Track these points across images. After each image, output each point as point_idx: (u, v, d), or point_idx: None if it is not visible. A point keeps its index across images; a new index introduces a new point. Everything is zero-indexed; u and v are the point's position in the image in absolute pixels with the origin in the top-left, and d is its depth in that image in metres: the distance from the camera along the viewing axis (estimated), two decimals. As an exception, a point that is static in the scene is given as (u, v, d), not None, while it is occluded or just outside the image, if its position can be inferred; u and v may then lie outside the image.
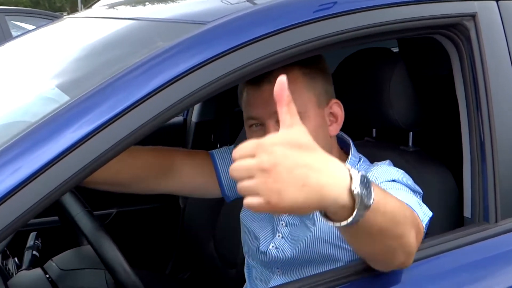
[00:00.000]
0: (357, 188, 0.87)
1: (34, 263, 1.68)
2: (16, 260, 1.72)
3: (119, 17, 1.57)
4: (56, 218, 1.94)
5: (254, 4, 1.19)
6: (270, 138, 0.84)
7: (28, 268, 1.65)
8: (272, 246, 1.40)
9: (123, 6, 1.71)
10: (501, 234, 1.32)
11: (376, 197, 0.91)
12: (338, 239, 1.28)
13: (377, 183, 1.24)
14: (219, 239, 2.08)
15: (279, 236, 1.40)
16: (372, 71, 1.52)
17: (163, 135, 2.00)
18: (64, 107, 1.03)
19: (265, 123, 1.28)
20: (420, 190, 1.29)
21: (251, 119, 1.31)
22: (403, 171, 1.30)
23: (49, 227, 2.06)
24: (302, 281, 1.20)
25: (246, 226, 1.50)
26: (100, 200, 2.12)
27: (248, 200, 0.83)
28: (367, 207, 0.89)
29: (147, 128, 1.02)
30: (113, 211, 2.35)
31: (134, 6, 1.66)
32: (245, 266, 1.57)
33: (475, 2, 1.32)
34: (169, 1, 1.70)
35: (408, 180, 1.28)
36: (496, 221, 1.33)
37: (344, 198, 0.87)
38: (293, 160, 0.83)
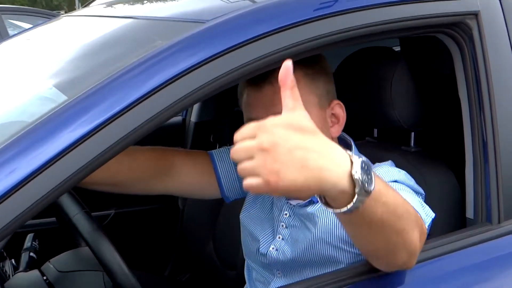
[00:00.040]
0: (357, 173, 0.87)
1: (31, 265, 1.68)
2: (13, 261, 1.72)
3: (117, 15, 1.57)
4: (53, 219, 1.94)
5: (254, 2, 1.19)
6: (271, 120, 0.85)
7: (25, 270, 1.65)
8: (272, 248, 1.40)
9: (121, 5, 1.71)
10: (504, 235, 1.32)
11: (377, 186, 0.91)
12: (339, 241, 1.27)
13: None
14: (218, 240, 2.08)
15: (279, 237, 1.40)
16: (374, 70, 1.52)
17: (162, 135, 1.99)
18: (62, 107, 1.03)
19: None
20: (422, 191, 1.29)
21: (251, 120, 1.30)
22: (405, 172, 1.30)
23: (46, 228, 2.06)
24: (303, 283, 1.20)
25: (246, 228, 1.50)
26: (98, 201, 2.12)
27: (247, 181, 0.84)
28: (367, 193, 0.89)
29: (146, 128, 1.02)
30: (111, 212, 2.34)
31: (132, 4, 1.66)
32: (245, 267, 1.57)
33: (478, 0, 1.32)
34: (167, 0, 1.70)
35: (410, 181, 1.28)
36: (499, 222, 1.33)
37: (344, 182, 0.87)
38: (293, 142, 0.83)
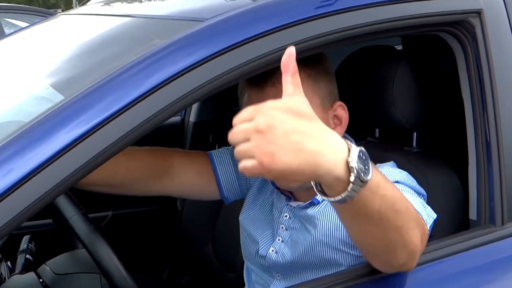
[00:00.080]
0: (353, 161, 0.87)
1: (28, 267, 1.68)
2: (9, 264, 1.71)
3: (114, 14, 1.57)
4: (50, 221, 1.93)
5: (254, 0, 1.19)
6: (269, 103, 0.86)
7: (21, 272, 1.64)
8: (272, 250, 1.40)
9: (118, 3, 1.71)
10: (508, 237, 1.32)
11: (375, 177, 0.91)
12: (340, 243, 1.27)
13: None
14: (218, 242, 2.07)
15: (279, 239, 1.40)
16: (375, 69, 1.52)
17: (160, 136, 1.99)
18: (59, 106, 1.03)
19: None
20: (424, 192, 1.29)
21: None
22: (406, 173, 1.30)
23: (43, 230, 2.06)
24: (303, 285, 1.20)
25: (245, 229, 1.50)
26: (95, 202, 2.12)
27: (242, 163, 0.84)
28: (363, 182, 0.88)
29: (144, 128, 1.02)
30: (108, 214, 2.34)
31: (130, 3, 1.66)
32: (244, 270, 1.57)
33: (481, -2, 1.33)
34: (166, -2, 1.70)
35: (412, 181, 1.28)
36: (502, 224, 1.33)
37: (340, 169, 0.87)
38: (290, 125, 0.84)
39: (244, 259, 1.55)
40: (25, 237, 1.78)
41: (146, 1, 1.67)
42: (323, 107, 1.29)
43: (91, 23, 1.60)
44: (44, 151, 0.97)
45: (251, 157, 0.83)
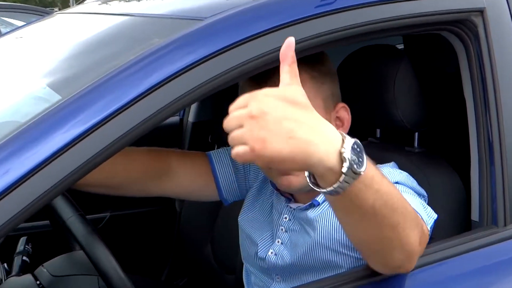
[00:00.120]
0: (347, 152, 0.87)
1: (24, 269, 1.68)
2: (6, 266, 1.71)
3: (112, 13, 1.57)
4: (47, 222, 1.93)
5: (254, -2, 1.19)
6: (265, 90, 0.87)
7: (18, 274, 1.64)
8: (271, 253, 1.40)
9: (116, 2, 1.71)
10: (511, 239, 1.32)
11: (369, 171, 0.91)
12: (339, 245, 1.27)
13: None
14: (217, 244, 2.07)
15: (278, 242, 1.40)
16: (376, 69, 1.52)
17: (159, 136, 1.99)
18: (56, 106, 1.03)
19: None
20: (424, 193, 1.29)
21: None
22: (406, 173, 1.30)
23: (40, 231, 2.06)
24: None
25: (244, 231, 1.50)
26: (93, 203, 2.12)
27: (234, 149, 0.85)
28: (356, 174, 0.88)
29: (143, 128, 1.02)
30: (106, 215, 2.34)
31: (128, 1, 1.66)
32: (243, 272, 1.57)
33: (483, -3, 1.33)
34: (164, -4, 1.70)
35: (412, 182, 1.28)
36: (505, 225, 1.33)
37: (332, 159, 0.87)
38: (283, 112, 0.84)
39: (243, 261, 1.55)
40: (22, 239, 1.78)
41: (145, 0, 1.67)
42: (325, 108, 1.29)
43: (89, 22, 1.60)
44: (41, 152, 0.97)
45: (244, 143, 0.84)
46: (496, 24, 1.33)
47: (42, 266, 1.67)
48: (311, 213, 1.31)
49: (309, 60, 1.25)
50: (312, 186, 0.93)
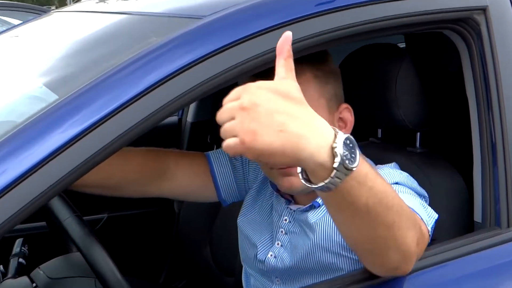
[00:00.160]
0: (338, 147, 0.86)
1: (20, 271, 1.68)
2: (1, 268, 1.71)
3: (110, 11, 1.57)
4: (43, 223, 1.93)
5: (253, -3, 1.19)
6: (258, 83, 0.86)
7: (14, 277, 1.64)
8: (271, 255, 1.40)
9: (114, 0, 1.71)
10: (514, 240, 1.32)
11: (362, 168, 0.90)
12: (339, 247, 1.27)
13: None
14: (216, 245, 2.07)
15: (278, 244, 1.40)
16: (378, 68, 1.52)
17: (157, 136, 1.99)
18: (53, 106, 1.03)
19: None
20: (425, 194, 1.29)
21: None
22: (407, 174, 1.30)
23: (36, 233, 2.06)
24: (303, 290, 1.20)
25: (243, 233, 1.50)
26: (90, 204, 2.12)
27: (225, 141, 0.85)
28: (347, 170, 0.87)
29: (140, 128, 1.02)
30: (104, 216, 2.34)
31: (126, -1, 1.66)
32: (242, 274, 1.57)
33: (486, -5, 1.33)
34: (163, -6, 1.70)
35: (413, 183, 1.28)
36: (508, 226, 1.33)
37: (323, 154, 0.86)
38: (275, 105, 0.84)
39: (242, 263, 1.55)
40: (18, 240, 1.78)
41: (142, -2, 1.67)
42: (329, 108, 1.29)
43: (86, 20, 1.60)
44: (38, 152, 0.97)
45: (235, 135, 0.84)
46: (499, 23, 1.33)
47: (39, 268, 1.67)
48: (311, 215, 1.31)
49: (313, 60, 1.25)
50: (304, 182, 0.92)
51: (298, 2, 1.16)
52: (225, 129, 0.86)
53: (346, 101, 1.35)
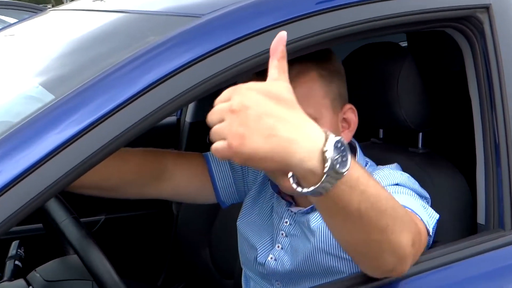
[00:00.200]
0: (329, 150, 0.85)
1: (17, 273, 1.68)
2: (-3, 270, 1.71)
3: (107, 9, 1.57)
4: (40, 225, 1.93)
5: (253, -5, 1.19)
6: (249, 84, 0.85)
7: (10, 279, 1.64)
8: (271, 258, 1.40)
9: (111, -2, 1.71)
10: (518, 242, 1.32)
11: (354, 172, 0.89)
12: (340, 250, 1.27)
13: None
14: (215, 248, 2.07)
15: (278, 247, 1.40)
16: (379, 67, 1.52)
17: (155, 136, 1.99)
18: (49, 106, 1.03)
19: None
20: (427, 195, 1.29)
21: None
22: (408, 175, 1.30)
23: (32, 235, 2.06)
24: (304, 293, 1.20)
25: (243, 235, 1.50)
26: (87, 206, 2.12)
27: (214, 145, 0.84)
28: (338, 174, 0.86)
29: (138, 128, 1.02)
30: (101, 218, 2.34)
31: (124, -3, 1.66)
32: (242, 277, 1.57)
33: (489, -7, 1.33)
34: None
35: (414, 184, 1.28)
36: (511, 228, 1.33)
37: (313, 160, 0.85)
38: (265, 108, 0.83)
39: (242, 265, 1.55)
40: (14, 243, 1.78)
41: (140, -4, 1.67)
42: (333, 108, 1.29)
43: (83, 19, 1.60)
44: (35, 152, 0.97)
45: (223, 138, 0.83)
46: (502, 21, 1.33)
47: (35, 270, 1.67)
48: (312, 218, 1.31)
49: (318, 58, 1.26)
50: (294, 186, 0.91)
51: (298, 0, 1.16)
52: (214, 131, 0.85)
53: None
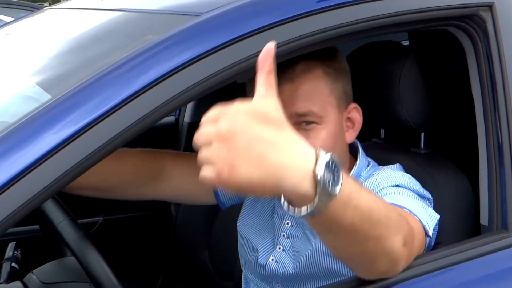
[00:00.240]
0: (320, 171, 0.84)
1: (13, 276, 1.68)
2: (-6, 272, 1.71)
3: (105, 8, 1.57)
4: (37, 226, 1.93)
5: (252, -7, 1.20)
6: (237, 105, 0.83)
7: (6, 282, 1.64)
8: (272, 259, 1.40)
9: (109, -4, 1.71)
10: (521, 244, 1.32)
11: (347, 188, 0.88)
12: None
13: (378, 189, 1.24)
14: (214, 249, 2.07)
15: (279, 248, 1.40)
16: (381, 66, 1.52)
17: (153, 137, 1.99)
18: (46, 106, 1.03)
19: None
20: (429, 196, 1.29)
21: None
22: (409, 176, 1.30)
23: (29, 236, 2.06)
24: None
25: (243, 236, 1.50)
26: (85, 207, 2.12)
27: (202, 172, 0.82)
28: (330, 196, 0.85)
29: (137, 128, 1.02)
30: (99, 219, 2.34)
31: (122, -4, 1.66)
32: (242, 279, 1.57)
33: (492, -9, 1.33)
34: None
35: (415, 185, 1.28)
36: (515, 229, 1.33)
37: (305, 184, 0.84)
38: (254, 133, 0.81)
39: (242, 267, 1.55)
40: (10, 244, 1.78)
41: (138, -5, 1.67)
42: (338, 107, 1.30)
43: (80, 17, 1.60)
44: (31, 153, 0.97)
45: (212, 163, 0.81)
46: (506, 20, 1.33)
47: (32, 273, 1.67)
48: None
49: (324, 56, 1.26)
50: (288, 209, 0.90)
51: (298, -2, 1.16)
52: (201, 157, 0.82)
53: (349, 100, 1.36)
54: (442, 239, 1.32)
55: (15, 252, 1.75)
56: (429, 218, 1.18)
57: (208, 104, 2.63)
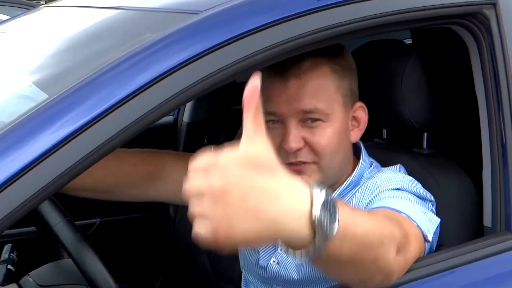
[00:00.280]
0: (317, 214, 0.83)
1: (9, 278, 1.68)
2: (-11, 275, 1.71)
3: (103, 6, 1.57)
4: (33, 228, 1.93)
5: (252, -9, 1.20)
6: (227, 155, 0.80)
7: (2, 284, 1.64)
8: (273, 261, 1.40)
9: (107, -6, 1.71)
10: (525, 245, 1.32)
11: (343, 221, 0.87)
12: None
13: (378, 192, 1.24)
14: (213, 251, 2.07)
15: (281, 250, 1.40)
16: (383, 65, 1.52)
17: (152, 137, 1.99)
18: (42, 105, 1.03)
19: (286, 121, 1.27)
20: (430, 197, 1.29)
21: (270, 115, 1.29)
22: (411, 178, 1.30)
23: (25, 238, 2.05)
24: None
25: (243, 237, 1.49)
26: (82, 208, 2.12)
27: (196, 230, 0.79)
28: (329, 236, 0.85)
29: (135, 128, 1.02)
30: (96, 221, 2.34)
31: (119, -6, 1.66)
32: (242, 281, 1.57)
33: (496, -11, 1.33)
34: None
35: (416, 187, 1.28)
36: (519, 231, 1.33)
37: (303, 230, 0.83)
38: (248, 184, 0.78)
39: (242, 269, 1.55)
40: (6, 246, 1.78)
41: (136, -8, 1.67)
42: (344, 105, 1.30)
43: (77, 15, 1.60)
44: (27, 153, 0.97)
45: (206, 220, 0.78)
46: (509, 18, 1.33)
47: (28, 275, 1.67)
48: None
49: (330, 53, 1.26)
50: (285, 251, 0.89)
51: (298, -4, 1.16)
52: (194, 212, 0.80)
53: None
54: (444, 240, 1.32)
55: (11, 254, 1.75)
56: (429, 222, 1.18)
57: (207, 104, 2.64)
